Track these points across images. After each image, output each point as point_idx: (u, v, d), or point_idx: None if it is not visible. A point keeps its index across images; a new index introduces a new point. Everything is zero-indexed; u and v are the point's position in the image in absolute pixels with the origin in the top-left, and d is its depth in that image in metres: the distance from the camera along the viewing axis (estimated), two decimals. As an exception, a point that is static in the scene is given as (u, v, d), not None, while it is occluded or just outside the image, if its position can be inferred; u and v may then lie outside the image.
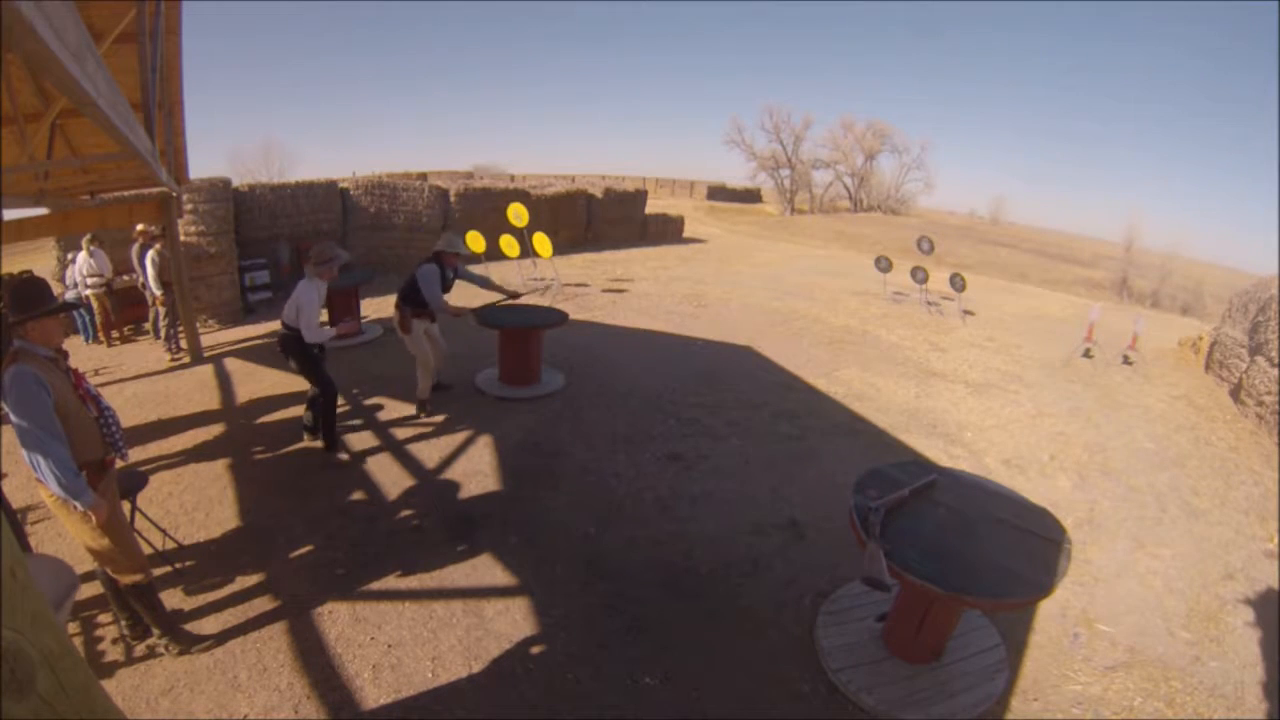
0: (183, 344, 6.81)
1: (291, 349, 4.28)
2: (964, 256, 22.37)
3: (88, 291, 7.04)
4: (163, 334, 6.98)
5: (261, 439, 4.77)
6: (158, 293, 6.73)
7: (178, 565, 3.30)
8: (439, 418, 5.18)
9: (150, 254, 6.65)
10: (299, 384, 5.83)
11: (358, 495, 4.02)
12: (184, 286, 6.78)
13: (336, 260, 4.23)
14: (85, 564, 2.73)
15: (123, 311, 7.63)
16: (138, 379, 6.14)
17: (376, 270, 10.50)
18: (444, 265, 4.92)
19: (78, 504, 2.34)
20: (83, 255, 7.02)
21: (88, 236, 6.88)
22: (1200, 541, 4.16)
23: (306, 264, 4.20)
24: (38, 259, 9.96)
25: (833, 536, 3.75)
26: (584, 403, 5.60)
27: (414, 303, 4.91)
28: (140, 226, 6.84)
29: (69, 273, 7.60)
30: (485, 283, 5.34)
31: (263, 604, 3.07)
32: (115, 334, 7.44)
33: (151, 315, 7.29)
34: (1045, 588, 2.29)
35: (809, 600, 3.20)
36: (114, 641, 2.79)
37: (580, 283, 10.78)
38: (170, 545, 3.47)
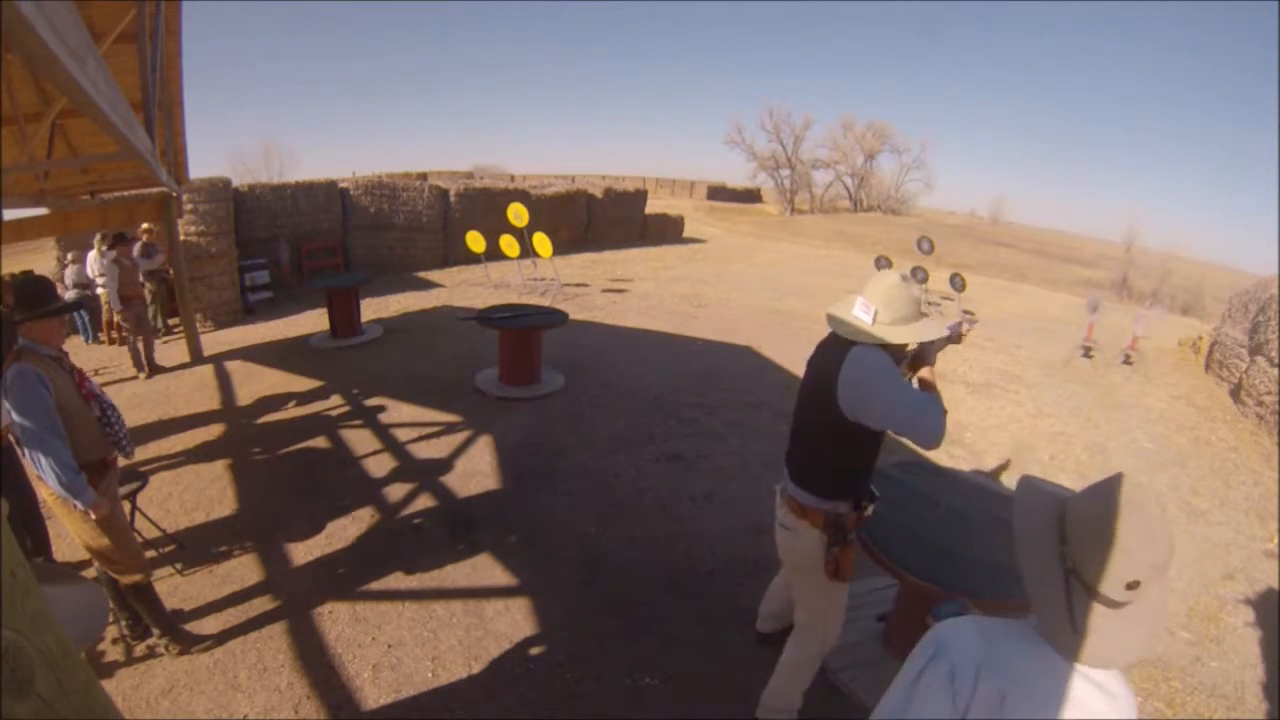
0: (157, 359, 6.36)
1: None
2: (964, 256, 22.37)
3: (99, 290, 7.03)
4: (134, 346, 6.19)
5: (261, 439, 4.77)
6: (118, 307, 5.98)
7: (178, 565, 3.30)
8: (439, 417, 5.18)
9: (107, 261, 6.01)
10: (299, 384, 5.85)
11: (358, 495, 4.02)
12: (184, 286, 6.78)
13: None
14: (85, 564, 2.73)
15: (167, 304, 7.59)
16: (136, 379, 6.14)
17: (376, 270, 10.52)
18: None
19: (77, 503, 2.34)
20: (93, 254, 7.02)
21: (99, 235, 6.88)
22: (1200, 541, 4.16)
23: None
24: (38, 259, 9.96)
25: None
26: (584, 403, 5.60)
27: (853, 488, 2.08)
28: (144, 226, 6.84)
29: (67, 273, 7.62)
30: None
31: (263, 604, 3.07)
32: (115, 334, 7.45)
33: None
34: (1045, 588, 2.29)
35: (809, 600, 3.20)
36: (114, 641, 2.79)
37: (580, 283, 10.78)
38: (170, 545, 3.47)
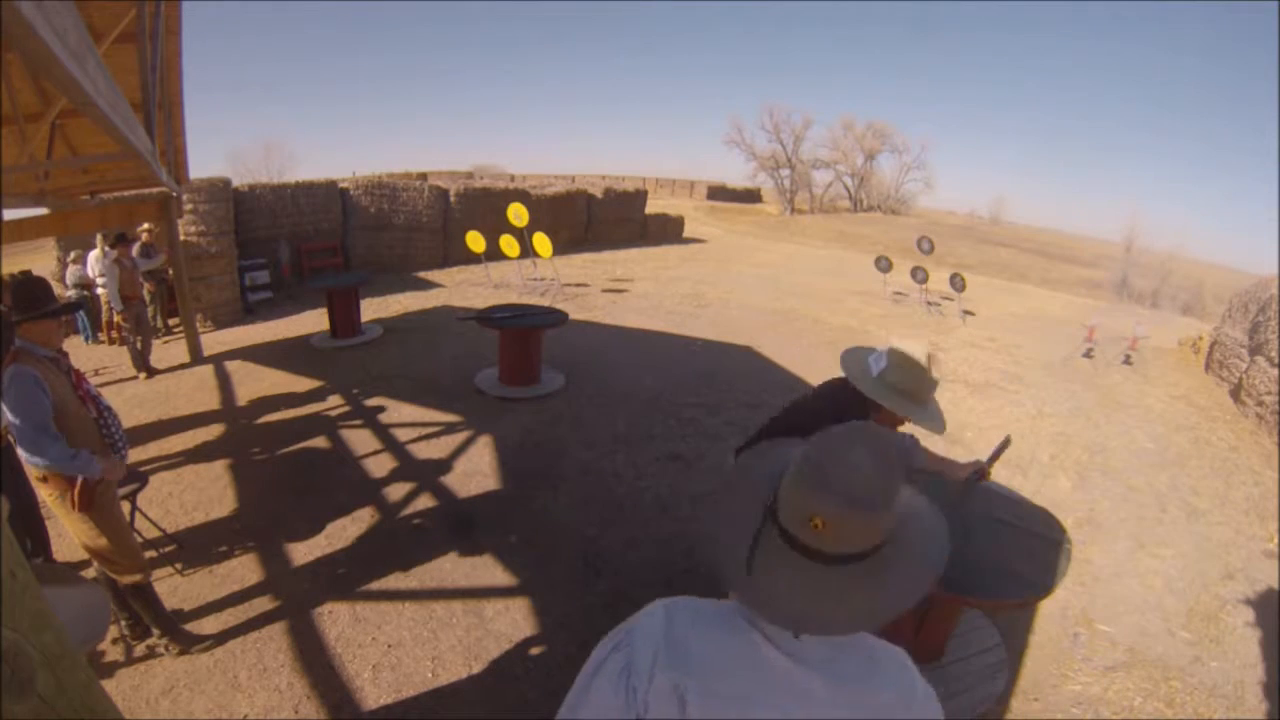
0: (154, 362, 6.34)
1: None
2: (964, 256, 22.37)
3: (99, 290, 7.02)
4: (134, 346, 6.16)
5: (262, 439, 4.77)
6: (119, 307, 6.01)
7: (178, 565, 3.30)
8: (439, 417, 5.18)
9: (108, 261, 6.06)
10: (299, 384, 5.85)
11: (358, 495, 4.02)
12: (184, 286, 6.78)
13: None
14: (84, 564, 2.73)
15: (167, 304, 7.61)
16: (136, 380, 6.14)
17: (376, 270, 10.52)
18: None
19: (92, 473, 2.36)
20: (94, 254, 7.00)
21: (100, 235, 6.87)
22: (1200, 541, 4.16)
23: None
24: (38, 259, 9.96)
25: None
26: (584, 403, 5.60)
27: None
28: (144, 226, 6.84)
29: (68, 273, 7.63)
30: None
31: (263, 604, 3.07)
32: (115, 334, 7.45)
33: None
34: (1045, 588, 2.29)
35: (809, 600, 3.20)
36: (114, 641, 2.79)
37: (580, 283, 10.78)
38: (170, 545, 3.47)
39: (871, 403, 1.85)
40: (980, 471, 2.19)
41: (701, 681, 0.82)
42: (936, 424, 1.85)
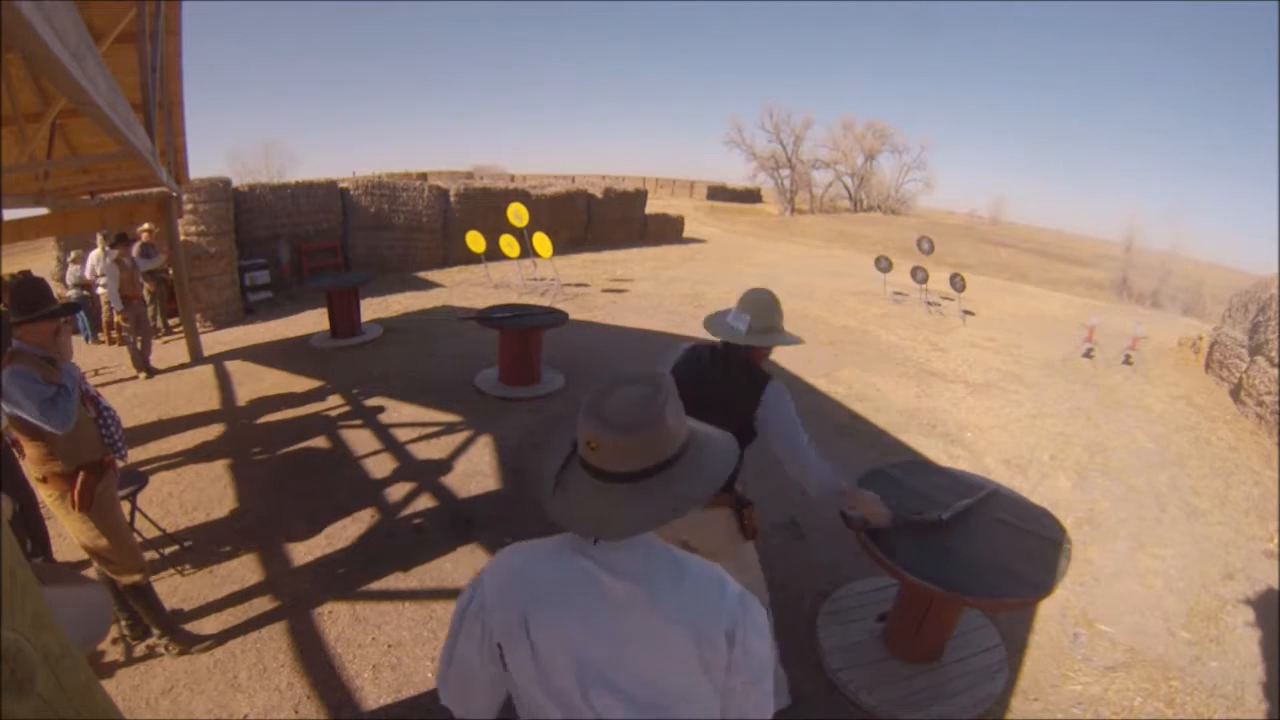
0: (154, 362, 6.35)
1: None
2: (964, 256, 22.38)
3: (99, 290, 7.02)
4: (134, 346, 6.16)
5: (261, 439, 4.77)
6: (119, 307, 6.02)
7: (178, 565, 3.30)
8: (439, 417, 5.18)
9: (109, 261, 6.06)
10: (299, 384, 5.85)
11: (358, 495, 4.02)
12: (184, 286, 6.78)
13: None
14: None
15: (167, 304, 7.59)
16: (136, 380, 6.14)
17: (376, 270, 10.52)
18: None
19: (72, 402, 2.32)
20: (95, 254, 7.00)
21: (101, 235, 6.87)
22: (1200, 541, 4.16)
23: None
24: (38, 259, 9.96)
25: (833, 536, 3.74)
26: (584, 403, 5.60)
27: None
28: (144, 226, 6.84)
29: (69, 273, 7.63)
30: None
31: (263, 604, 3.07)
32: (115, 334, 7.46)
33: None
34: (1045, 588, 2.29)
35: (809, 600, 3.20)
36: (114, 641, 2.79)
37: (580, 283, 10.78)
38: (170, 545, 3.47)
39: (694, 353, 2.28)
40: (916, 521, 2.43)
41: (539, 604, 0.98)
42: (794, 340, 2.28)
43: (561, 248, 12.28)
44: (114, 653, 2.74)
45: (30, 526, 3.07)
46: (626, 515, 0.95)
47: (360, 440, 4.78)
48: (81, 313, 7.36)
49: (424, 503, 3.98)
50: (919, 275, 10.53)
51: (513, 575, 1.02)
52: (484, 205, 11.95)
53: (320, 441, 4.74)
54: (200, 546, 3.49)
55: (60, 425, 2.25)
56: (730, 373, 2.19)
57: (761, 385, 2.15)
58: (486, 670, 1.04)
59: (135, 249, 6.41)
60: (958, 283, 10.30)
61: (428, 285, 10.25)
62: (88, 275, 7.25)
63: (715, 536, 2.26)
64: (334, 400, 5.51)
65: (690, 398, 1.13)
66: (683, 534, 2.18)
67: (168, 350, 6.97)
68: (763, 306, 2.21)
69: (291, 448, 4.64)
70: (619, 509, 0.96)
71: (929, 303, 10.62)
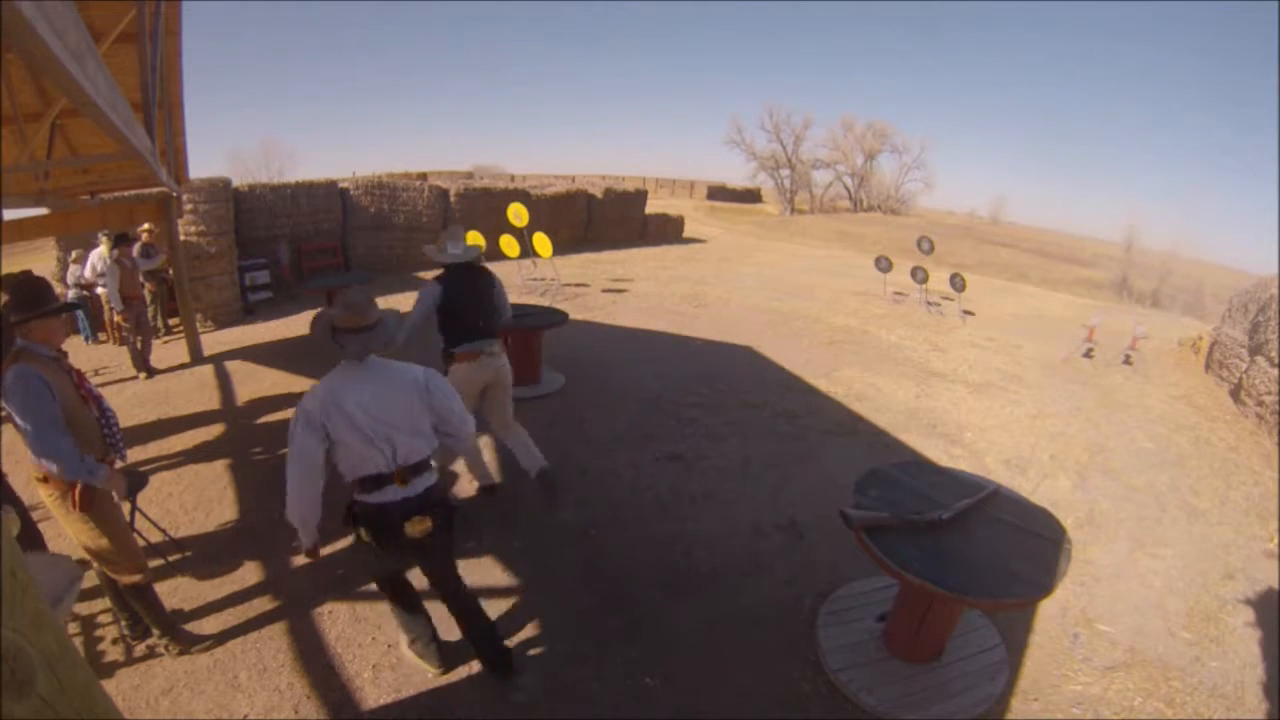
0: (154, 362, 6.36)
1: None
2: (964, 256, 22.37)
3: (99, 290, 7.01)
4: (134, 346, 6.19)
5: (261, 439, 4.77)
6: (119, 307, 6.01)
7: (179, 567, 3.30)
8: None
9: (109, 261, 6.06)
10: (299, 384, 5.85)
11: (358, 495, 4.01)
12: (184, 286, 6.78)
13: None
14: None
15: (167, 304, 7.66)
16: (136, 379, 6.14)
17: (376, 270, 10.52)
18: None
19: (96, 482, 2.33)
20: (96, 253, 6.98)
21: (103, 235, 6.86)
22: (1200, 541, 4.16)
23: None
24: (38, 259, 9.96)
25: (833, 536, 3.74)
26: (584, 403, 5.60)
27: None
28: (144, 226, 6.83)
29: (69, 273, 7.62)
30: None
31: (263, 604, 3.07)
32: (115, 334, 7.46)
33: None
34: (1045, 588, 2.29)
35: (809, 600, 3.20)
36: (114, 641, 2.79)
37: (580, 283, 10.78)
38: (170, 546, 3.47)
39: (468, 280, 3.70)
40: (916, 521, 2.58)
41: (344, 391, 2.18)
42: (472, 254, 3.70)
43: (561, 248, 12.28)
44: (114, 653, 2.74)
45: (23, 524, 3.08)
46: (370, 340, 2.23)
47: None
48: (81, 313, 7.37)
49: (424, 503, 3.97)
50: (919, 275, 10.53)
51: (328, 390, 2.18)
52: (484, 205, 11.95)
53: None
54: (200, 546, 3.49)
55: (44, 456, 2.21)
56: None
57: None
58: (320, 447, 2.22)
59: (135, 249, 6.41)
60: (958, 283, 10.30)
61: (428, 285, 10.23)
62: (88, 275, 7.24)
63: (507, 371, 3.80)
64: (334, 400, 5.49)
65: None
66: (485, 375, 3.70)
67: (168, 350, 6.98)
68: (456, 238, 3.72)
69: (291, 448, 4.63)
70: (366, 341, 2.22)
71: (929, 303, 10.62)
